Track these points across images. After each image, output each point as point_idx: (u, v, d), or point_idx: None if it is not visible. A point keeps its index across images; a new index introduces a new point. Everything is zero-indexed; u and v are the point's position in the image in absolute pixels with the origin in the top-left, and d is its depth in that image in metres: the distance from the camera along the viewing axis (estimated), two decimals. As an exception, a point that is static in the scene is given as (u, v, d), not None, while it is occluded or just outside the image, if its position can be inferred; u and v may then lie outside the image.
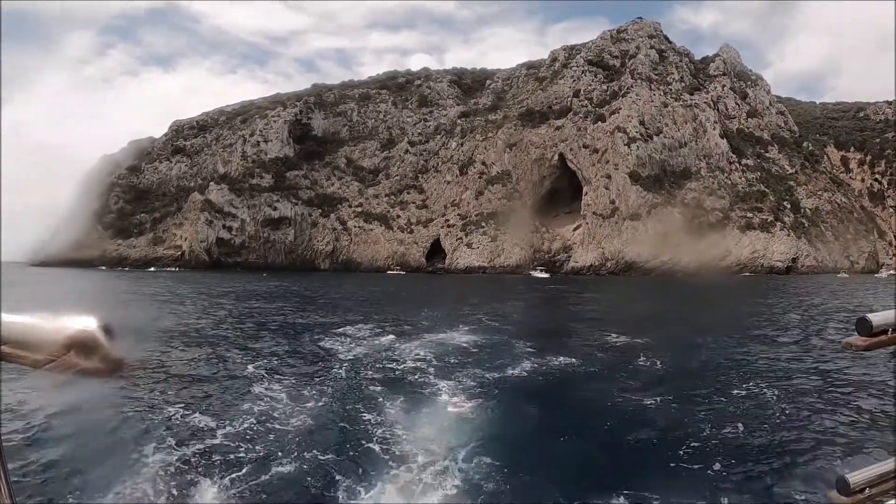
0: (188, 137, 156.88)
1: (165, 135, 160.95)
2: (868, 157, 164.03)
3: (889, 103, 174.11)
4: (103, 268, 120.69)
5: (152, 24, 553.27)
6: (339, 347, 18.92)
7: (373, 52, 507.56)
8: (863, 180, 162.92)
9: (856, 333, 1.33)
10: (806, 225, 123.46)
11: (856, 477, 1.37)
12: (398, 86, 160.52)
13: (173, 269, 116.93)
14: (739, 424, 10.55)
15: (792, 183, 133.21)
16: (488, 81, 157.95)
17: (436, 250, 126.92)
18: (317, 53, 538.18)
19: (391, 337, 21.10)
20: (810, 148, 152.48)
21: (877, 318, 1.29)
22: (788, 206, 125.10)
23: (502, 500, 7.46)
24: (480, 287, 67.17)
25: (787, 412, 11.34)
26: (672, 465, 8.73)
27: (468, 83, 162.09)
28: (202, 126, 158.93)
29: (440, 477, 8.01)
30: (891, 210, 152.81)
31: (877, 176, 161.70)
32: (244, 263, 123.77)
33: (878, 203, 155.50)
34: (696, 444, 9.53)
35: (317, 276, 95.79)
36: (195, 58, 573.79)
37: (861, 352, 1.31)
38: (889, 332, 1.30)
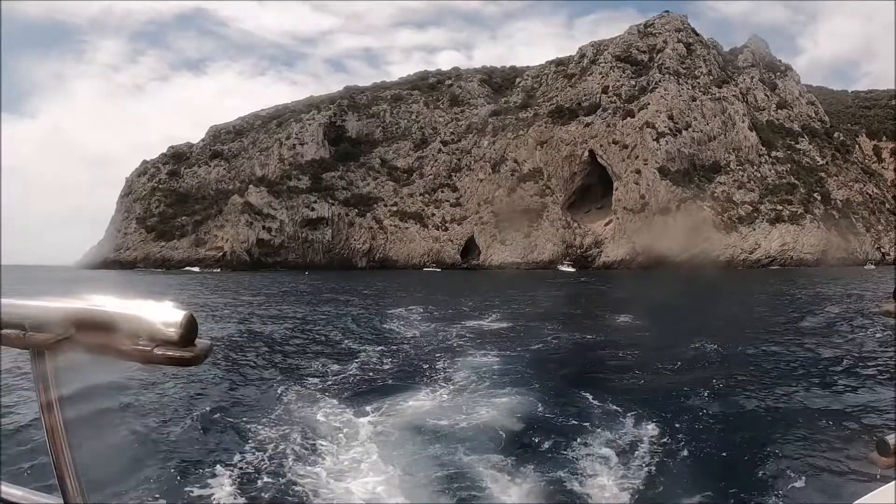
0: (225, 142, 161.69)
1: (203, 140, 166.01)
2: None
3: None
4: (141, 269, 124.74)
5: (181, 30, 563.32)
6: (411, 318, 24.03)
7: (401, 50, 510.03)
8: (895, 170, 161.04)
9: (893, 301, 1.34)
10: (836, 216, 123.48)
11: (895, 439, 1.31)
12: (429, 86, 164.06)
13: (216, 269, 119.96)
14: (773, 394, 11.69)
15: (822, 174, 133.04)
16: (518, 79, 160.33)
17: (470, 247, 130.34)
18: (345, 53, 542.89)
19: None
20: (841, 138, 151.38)
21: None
22: (819, 197, 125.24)
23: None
24: (510, 281, 70.81)
25: (818, 388, 12.03)
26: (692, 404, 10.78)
27: (498, 81, 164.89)
28: (238, 130, 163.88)
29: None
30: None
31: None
32: (284, 263, 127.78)
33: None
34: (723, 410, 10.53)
35: (357, 275, 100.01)
36: (224, 61, 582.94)
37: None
38: None
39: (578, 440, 9.03)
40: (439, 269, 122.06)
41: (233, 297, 43.75)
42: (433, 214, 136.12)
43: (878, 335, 16.63)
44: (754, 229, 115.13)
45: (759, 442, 8.84)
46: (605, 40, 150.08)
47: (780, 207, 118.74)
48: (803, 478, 7.37)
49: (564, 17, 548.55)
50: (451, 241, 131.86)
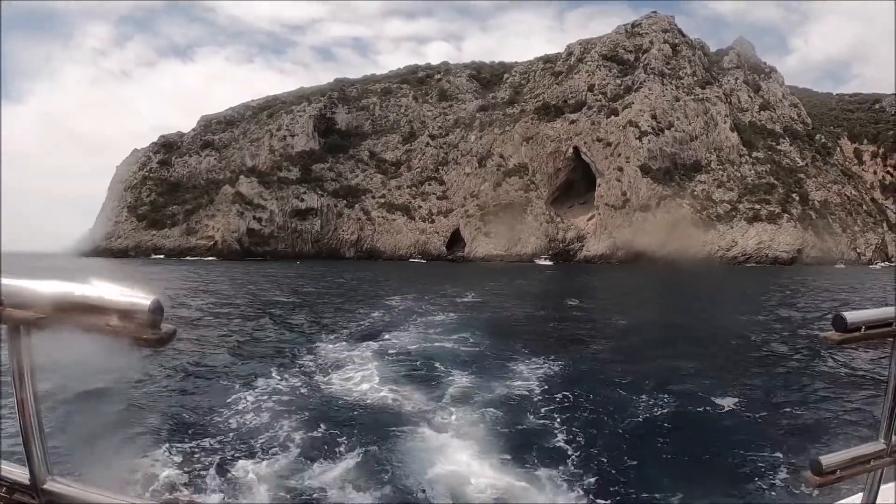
0: (216, 132, 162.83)
1: (194, 129, 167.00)
2: (881, 150, 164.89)
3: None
4: (138, 260, 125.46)
5: (169, 15, 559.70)
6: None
7: (390, 40, 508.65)
8: (875, 173, 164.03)
9: (832, 329, 1.42)
10: (813, 217, 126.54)
11: (829, 459, 1.46)
12: (418, 80, 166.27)
13: (209, 258, 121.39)
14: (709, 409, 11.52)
15: (802, 175, 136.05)
16: (506, 75, 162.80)
17: (456, 239, 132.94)
18: (333, 42, 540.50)
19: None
20: (822, 140, 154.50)
21: (851, 316, 1.40)
22: (797, 198, 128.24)
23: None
24: (490, 273, 73.77)
25: (761, 401, 12.09)
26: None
27: (486, 77, 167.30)
28: (229, 121, 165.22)
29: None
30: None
31: (889, 168, 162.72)
32: (273, 253, 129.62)
33: (889, 195, 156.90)
34: (663, 423, 10.67)
35: (346, 264, 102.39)
36: (212, 47, 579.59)
37: (836, 346, 1.43)
38: (862, 330, 1.41)
39: (494, 376, 13.74)
40: (425, 261, 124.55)
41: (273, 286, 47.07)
42: (420, 207, 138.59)
43: (817, 357, 16.86)
44: (732, 227, 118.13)
45: (688, 461, 8.97)
46: (593, 39, 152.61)
47: (758, 207, 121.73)
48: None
49: (556, 10, 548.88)
50: (438, 233, 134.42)
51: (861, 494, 1.69)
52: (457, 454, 9.15)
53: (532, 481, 8.15)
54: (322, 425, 10.18)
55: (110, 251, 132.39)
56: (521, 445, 9.54)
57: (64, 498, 0.86)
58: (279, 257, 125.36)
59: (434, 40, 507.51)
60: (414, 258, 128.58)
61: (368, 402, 11.84)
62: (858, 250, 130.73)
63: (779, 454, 8.84)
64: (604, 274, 76.12)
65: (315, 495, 7.72)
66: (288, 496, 7.67)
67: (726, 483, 8.13)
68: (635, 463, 8.99)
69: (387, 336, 19.06)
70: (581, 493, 7.83)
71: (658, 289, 53.07)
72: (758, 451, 9.04)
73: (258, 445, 9.25)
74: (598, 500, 7.64)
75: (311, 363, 15.01)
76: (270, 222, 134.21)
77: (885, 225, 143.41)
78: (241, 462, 8.51)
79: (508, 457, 8.96)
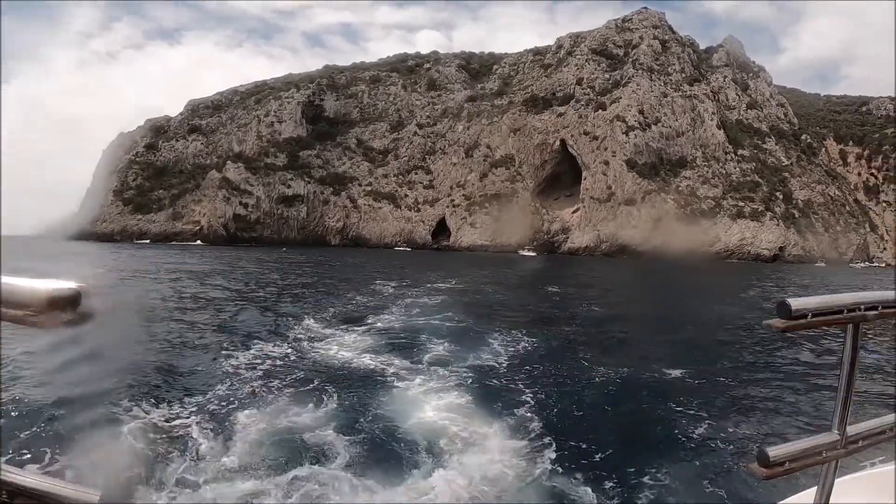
0: (203, 116, 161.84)
1: (181, 114, 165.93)
2: (866, 152, 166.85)
3: (892, 99, 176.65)
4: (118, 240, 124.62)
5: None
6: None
7: (380, 27, 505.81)
8: (859, 174, 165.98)
9: (776, 316, 1.42)
10: (796, 216, 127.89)
11: (778, 451, 1.45)
12: (408, 69, 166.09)
13: (196, 243, 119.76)
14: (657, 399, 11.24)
15: (786, 174, 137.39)
16: (495, 66, 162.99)
17: (441, 228, 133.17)
18: (323, 28, 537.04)
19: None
20: (808, 140, 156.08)
21: (796, 302, 1.38)
22: (781, 196, 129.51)
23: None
24: (475, 262, 74.26)
25: (710, 392, 11.94)
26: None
27: (475, 67, 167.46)
28: (217, 106, 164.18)
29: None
30: (884, 205, 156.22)
31: (873, 171, 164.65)
32: (259, 239, 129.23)
33: (872, 197, 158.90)
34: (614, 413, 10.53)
35: (332, 251, 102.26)
36: (200, 31, 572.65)
37: (780, 333, 1.41)
38: (809, 317, 1.39)
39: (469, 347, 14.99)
40: (409, 249, 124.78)
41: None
42: (406, 195, 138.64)
43: (764, 346, 17.05)
44: (715, 223, 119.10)
45: (639, 449, 8.86)
46: (583, 33, 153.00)
47: (741, 204, 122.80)
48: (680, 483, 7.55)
49: (547, 2, 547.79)
50: (423, 221, 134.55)
51: (815, 489, 1.65)
52: (428, 404, 10.20)
53: (493, 426, 9.15)
54: (311, 383, 11.21)
55: (96, 235, 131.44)
56: (486, 396, 10.68)
57: (17, 486, 0.87)
58: (265, 243, 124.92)
59: (424, 28, 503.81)
60: (399, 246, 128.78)
61: (353, 366, 12.92)
62: (840, 250, 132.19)
63: (730, 445, 8.77)
64: (587, 266, 77.04)
65: (303, 435, 8.50)
66: (275, 435, 8.41)
67: (672, 468, 8.04)
68: (580, 414, 10.09)
69: (372, 316, 19.96)
70: (534, 436, 8.84)
71: (638, 280, 54.23)
72: (707, 441, 8.96)
73: (247, 398, 10.06)
74: (546, 440, 8.64)
75: (299, 335, 16.02)
76: (257, 208, 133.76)
77: (867, 226, 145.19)
78: (239, 414, 9.25)
79: (475, 407, 10.04)
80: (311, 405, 9.67)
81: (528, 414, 9.79)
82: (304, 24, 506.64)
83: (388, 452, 8.20)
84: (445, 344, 15.24)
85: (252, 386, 10.78)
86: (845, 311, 1.44)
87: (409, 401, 10.43)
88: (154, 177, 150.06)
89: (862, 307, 1.46)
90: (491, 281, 41.68)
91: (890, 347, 16.83)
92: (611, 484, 7.48)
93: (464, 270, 52.10)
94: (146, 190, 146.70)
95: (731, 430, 9.41)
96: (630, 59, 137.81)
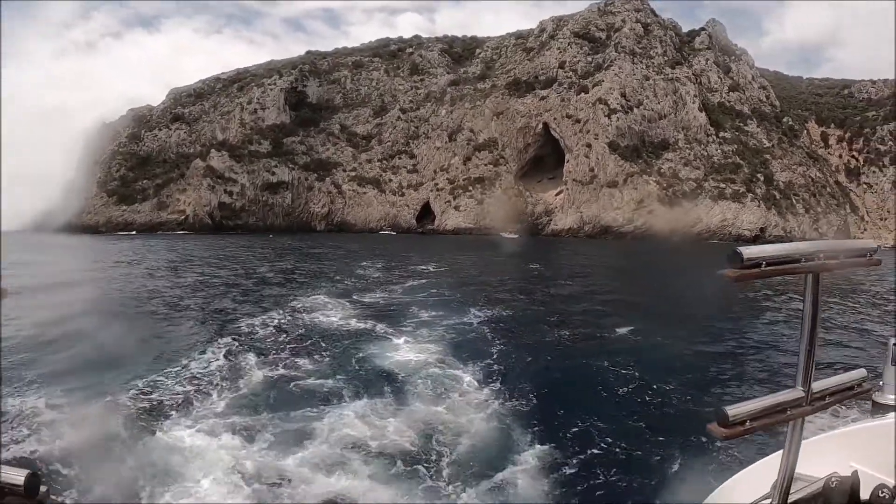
0: (186, 105, 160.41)
1: (163, 103, 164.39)
2: (847, 134, 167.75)
3: (873, 82, 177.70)
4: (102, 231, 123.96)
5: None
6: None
7: (362, 11, 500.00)
8: (840, 156, 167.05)
9: (728, 265, 1.36)
10: (777, 197, 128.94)
11: (738, 409, 1.39)
12: (390, 53, 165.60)
13: (182, 232, 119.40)
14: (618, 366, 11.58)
15: (768, 156, 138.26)
16: (478, 50, 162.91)
17: (426, 212, 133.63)
18: (304, 13, 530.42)
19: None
20: (790, 123, 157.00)
21: (749, 251, 1.32)
22: (762, 178, 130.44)
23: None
24: (460, 245, 75.20)
25: (671, 353, 12.19)
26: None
27: (458, 51, 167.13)
28: (199, 94, 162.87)
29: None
30: (864, 186, 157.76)
31: (854, 153, 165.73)
32: (245, 226, 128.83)
33: (853, 179, 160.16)
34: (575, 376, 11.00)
35: (318, 237, 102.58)
36: (179, 18, 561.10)
37: (734, 283, 1.33)
38: (763, 266, 1.32)
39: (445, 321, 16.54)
40: (395, 233, 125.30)
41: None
42: (390, 180, 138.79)
43: (731, 315, 17.57)
44: (697, 205, 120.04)
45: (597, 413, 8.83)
46: (566, 16, 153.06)
47: (723, 185, 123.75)
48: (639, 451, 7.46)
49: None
50: (408, 206, 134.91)
51: (781, 451, 1.55)
52: (408, 353, 12.12)
53: (463, 370, 10.79)
54: (306, 341, 13.25)
55: (81, 227, 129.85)
56: (458, 346, 12.67)
57: None
58: (251, 231, 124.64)
59: (406, 11, 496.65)
60: (384, 231, 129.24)
61: (345, 329, 14.94)
62: (821, 231, 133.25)
63: (686, 406, 8.65)
64: (570, 247, 78.30)
65: (299, 381, 10.41)
66: (274, 379, 10.42)
67: (629, 431, 8.26)
68: (544, 368, 11.52)
69: (357, 294, 21.91)
70: (499, 385, 10.23)
71: (618, 260, 55.44)
72: (667, 401, 8.94)
73: (252, 352, 12.17)
74: (506, 386, 9.95)
75: (291, 307, 18.10)
76: (242, 196, 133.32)
77: (847, 207, 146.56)
78: (245, 355, 11.94)
79: (448, 355, 11.86)
80: (305, 357, 11.83)
81: (492, 363, 11.50)
82: (284, 9, 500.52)
83: (379, 389, 9.80)
84: (429, 312, 17.39)
85: (253, 345, 12.80)
86: (803, 260, 1.34)
87: (395, 349, 12.37)
88: (138, 167, 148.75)
89: (822, 256, 1.36)
90: (474, 261, 44.27)
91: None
92: (547, 430, 8.23)
93: (448, 253, 53.95)
94: (130, 181, 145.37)
95: (689, 392, 9.10)
96: (612, 43, 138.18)
